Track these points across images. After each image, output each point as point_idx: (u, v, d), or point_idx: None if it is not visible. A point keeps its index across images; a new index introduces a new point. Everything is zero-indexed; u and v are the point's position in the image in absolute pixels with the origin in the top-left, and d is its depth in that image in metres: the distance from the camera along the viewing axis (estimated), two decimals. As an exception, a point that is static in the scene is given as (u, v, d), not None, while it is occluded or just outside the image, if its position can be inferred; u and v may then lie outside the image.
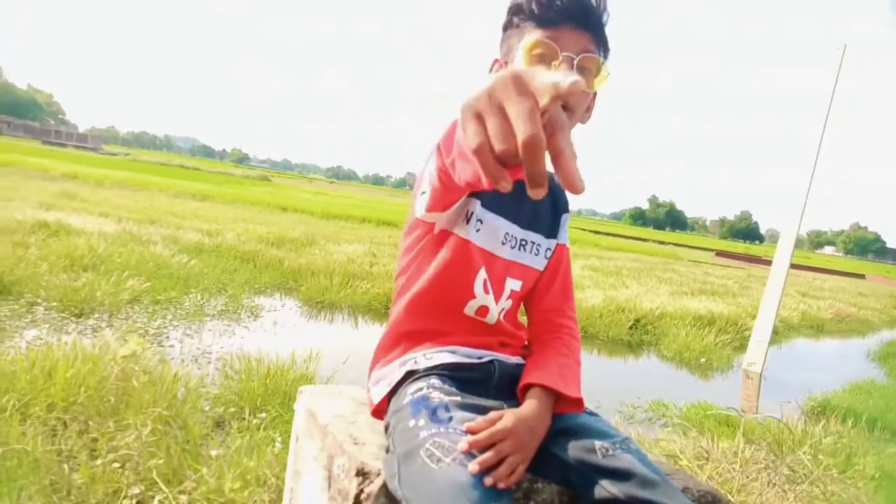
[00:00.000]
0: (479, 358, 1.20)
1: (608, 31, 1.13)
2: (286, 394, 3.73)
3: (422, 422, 1.00)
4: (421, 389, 1.10)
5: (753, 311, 9.45)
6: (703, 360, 7.41)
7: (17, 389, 3.02)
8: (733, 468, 1.57)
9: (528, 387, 1.16)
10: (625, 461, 1.01)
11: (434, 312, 1.22)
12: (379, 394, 1.20)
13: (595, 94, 1.15)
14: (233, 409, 3.58)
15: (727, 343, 8.43)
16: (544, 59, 1.07)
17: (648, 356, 7.65)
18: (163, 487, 2.36)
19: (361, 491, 1.04)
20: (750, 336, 7.78)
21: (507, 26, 1.15)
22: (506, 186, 0.58)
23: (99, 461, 2.52)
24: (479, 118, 0.58)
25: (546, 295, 1.32)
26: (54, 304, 5.21)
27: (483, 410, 1.06)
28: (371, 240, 13.84)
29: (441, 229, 1.20)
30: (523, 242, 1.24)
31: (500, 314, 1.25)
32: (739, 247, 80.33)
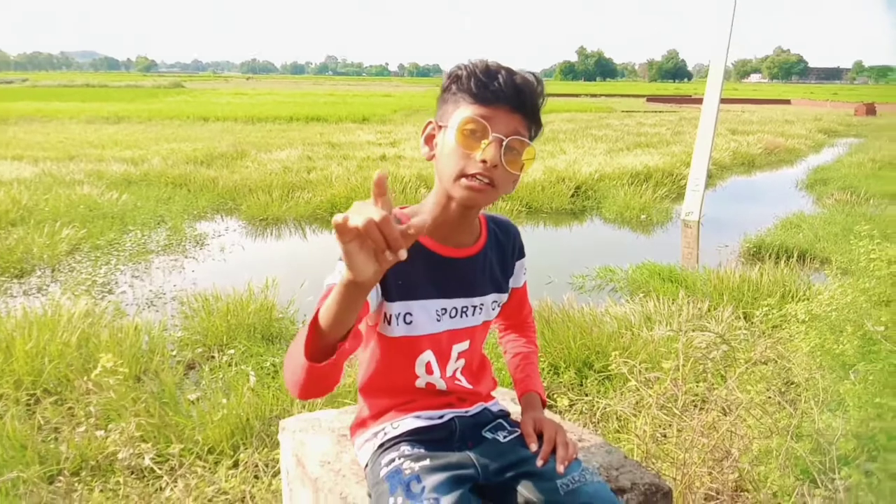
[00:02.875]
0: (441, 417, 1.29)
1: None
2: (250, 326, 3.80)
3: (399, 499, 1.12)
4: (393, 461, 1.21)
5: (687, 159, 9.75)
6: (643, 216, 7.71)
7: (-22, 372, 3.01)
8: (676, 384, 1.73)
9: (528, 391, 1.41)
10: (584, 495, 1.15)
11: (387, 394, 1.28)
12: (363, 459, 1.29)
13: (522, 168, 1.18)
14: (200, 350, 3.65)
15: (665, 196, 8.75)
16: (475, 135, 1.11)
17: (592, 221, 7.91)
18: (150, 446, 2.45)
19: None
20: (686, 185, 8.11)
21: (445, 90, 1.18)
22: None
23: (82, 428, 2.57)
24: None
25: (509, 314, 1.47)
26: (-9, 267, 5.07)
27: (452, 468, 1.18)
28: (303, 141, 13.51)
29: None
30: (464, 309, 1.28)
31: (453, 375, 1.33)
32: (669, 88, 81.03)
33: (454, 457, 1.22)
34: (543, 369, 3.34)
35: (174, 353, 3.62)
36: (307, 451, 1.41)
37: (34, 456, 2.42)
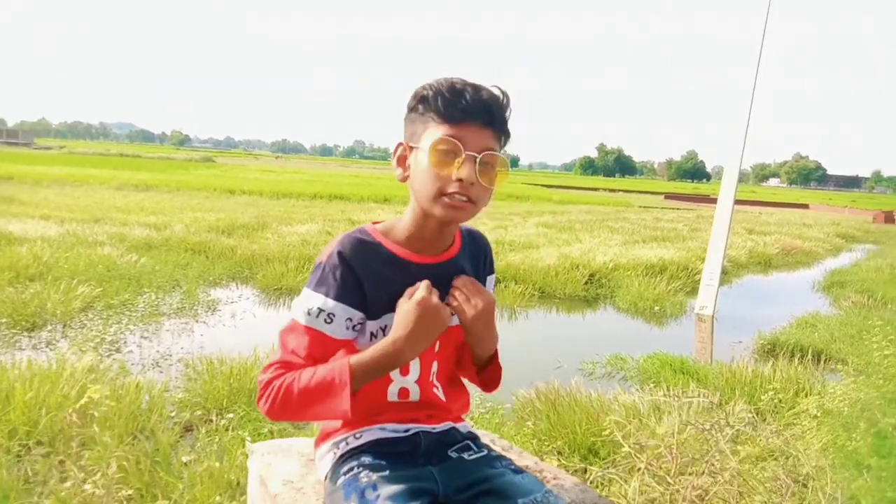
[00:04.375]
0: (406, 431, 1.28)
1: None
2: (251, 391, 3.75)
3: (351, 500, 1.11)
4: (352, 469, 1.20)
5: (703, 255, 9.72)
6: (656, 308, 7.65)
7: (-25, 419, 2.98)
8: (671, 450, 1.68)
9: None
10: None
11: (359, 405, 1.26)
12: (323, 470, 1.27)
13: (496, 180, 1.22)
14: (199, 412, 3.60)
15: (679, 289, 8.71)
16: (448, 155, 1.14)
17: (605, 309, 7.86)
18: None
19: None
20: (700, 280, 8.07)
21: (412, 111, 1.20)
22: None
23: (69, 483, 2.52)
24: None
25: None
26: (4, 319, 5.10)
27: (411, 479, 1.16)
28: (324, 217, 13.74)
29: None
30: None
31: (432, 381, 1.31)
32: (688, 187, 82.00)
33: (415, 471, 1.19)
34: (546, 452, 3.24)
35: (173, 414, 3.57)
36: (272, 472, 1.39)
37: (17, 507, 2.36)
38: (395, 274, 1.24)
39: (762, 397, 3.26)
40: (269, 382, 1.18)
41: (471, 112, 1.14)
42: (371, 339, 1.24)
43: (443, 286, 1.26)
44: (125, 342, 4.97)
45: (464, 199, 1.15)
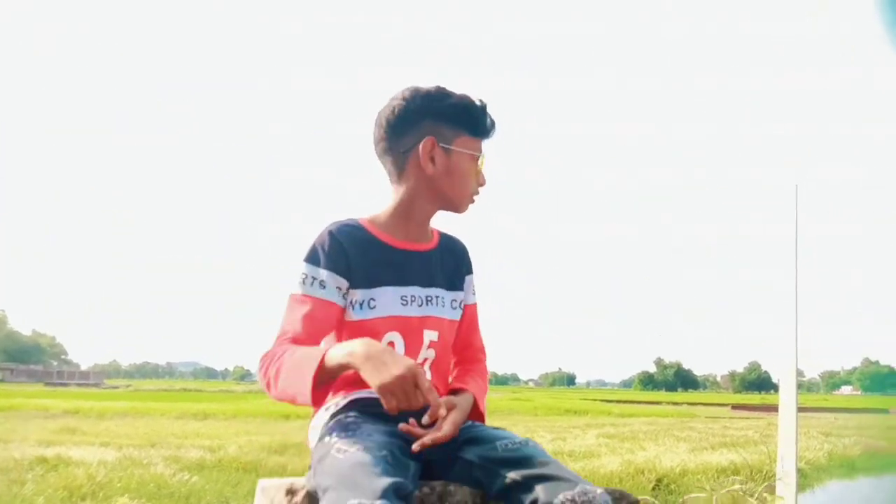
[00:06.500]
0: None
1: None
2: None
3: (333, 434, 1.19)
4: (338, 417, 1.29)
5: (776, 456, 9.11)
6: (733, 512, 7.04)
7: None
8: None
9: (456, 390, 1.43)
10: (522, 451, 1.18)
11: (348, 381, 1.33)
12: (314, 438, 1.29)
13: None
14: None
15: (755, 491, 8.04)
16: (477, 163, 1.42)
17: (678, 518, 7.26)
18: None
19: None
20: (775, 481, 7.47)
21: (437, 112, 1.38)
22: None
23: None
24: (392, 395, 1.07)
25: (461, 341, 1.55)
26: (51, 537, 5.03)
27: (395, 422, 1.22)
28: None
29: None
30: (428, 298, 1.40)
31: (423, 364, 1.37)
32: (755, 398, 78.33)
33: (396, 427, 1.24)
34: None
35: None
36: (270, 494, 1.33)
37: None
38: (378, 254, 1.36)
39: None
40: (266, 354, 1.27)
41: (489, 130, 1.43)
42: (353, 308, 1.33)
43: (422, 270, 1.40)
44: (168, 559, 4.80)
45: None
